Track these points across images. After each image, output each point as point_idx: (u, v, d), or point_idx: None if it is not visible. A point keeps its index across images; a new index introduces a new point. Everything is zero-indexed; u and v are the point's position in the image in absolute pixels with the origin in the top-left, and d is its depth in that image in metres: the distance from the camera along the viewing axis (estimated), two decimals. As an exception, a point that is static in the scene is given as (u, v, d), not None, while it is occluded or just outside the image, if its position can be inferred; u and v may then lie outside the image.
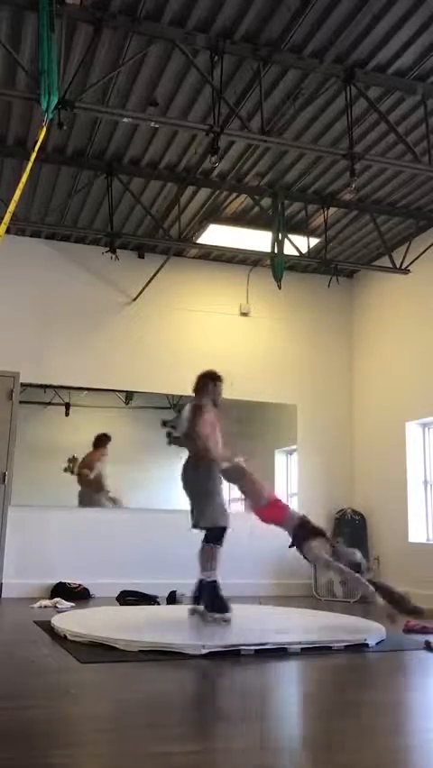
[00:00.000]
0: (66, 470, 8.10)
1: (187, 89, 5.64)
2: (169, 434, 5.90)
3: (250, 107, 5.69)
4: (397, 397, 8.27)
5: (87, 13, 4.80)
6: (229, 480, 5.81)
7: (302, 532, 5.54)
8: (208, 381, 5.78)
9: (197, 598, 5.53)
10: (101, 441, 8.27)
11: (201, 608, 5.45)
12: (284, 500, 5.75)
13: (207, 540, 5.49)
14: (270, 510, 5.71)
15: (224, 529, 5.48)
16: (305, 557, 5.62)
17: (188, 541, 5.65)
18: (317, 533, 5.56)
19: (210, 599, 5.36)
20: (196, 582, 5.53)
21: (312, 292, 9.02)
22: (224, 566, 5.48)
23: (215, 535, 5.46)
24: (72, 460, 8.14)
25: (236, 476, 5.74)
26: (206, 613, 5.35)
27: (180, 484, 5.73)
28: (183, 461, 5.73)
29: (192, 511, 5.59)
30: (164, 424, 5.86)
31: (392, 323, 8.53)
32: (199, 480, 5.57)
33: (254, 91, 5.43)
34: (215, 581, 5.40)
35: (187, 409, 5.72)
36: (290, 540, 5.63)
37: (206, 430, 5.54)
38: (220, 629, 5.12)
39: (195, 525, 5.56)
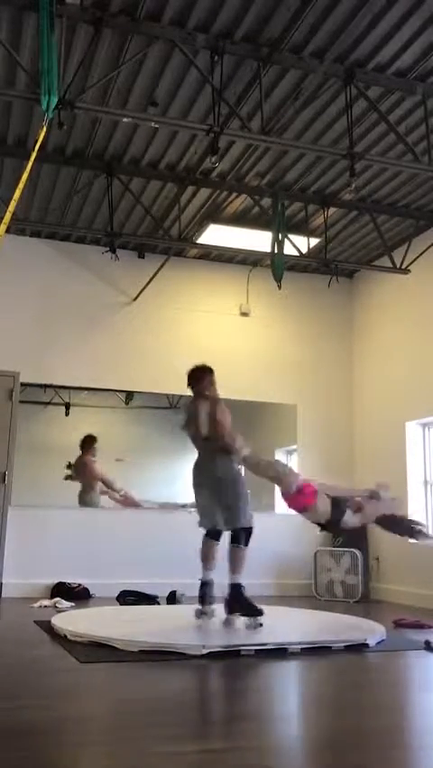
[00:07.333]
0: (67, 477, 8.09)
1: (187, 89, 5.64)
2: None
3: (250, 107, 5.69)
4: (397, 398, 8.27)
5: (87, 13, 4.80)
6: (253, 472, 5.75)
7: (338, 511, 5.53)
8: (208, 373, 5.70)
9: (201, 599, 5.38)
10: (88, 442, 8.20)
11: (211, 608, 5.34)
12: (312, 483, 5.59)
13: (237, 541, 5.36)
14: (298, 498, 5.54)
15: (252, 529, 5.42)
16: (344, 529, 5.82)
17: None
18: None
19: (244, 603, 5.24)
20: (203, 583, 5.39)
21: (312, 292, 9.02)
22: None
23: (247, 536, 5.37)
24: (70, 466, 8.13)
25: (260, 467, 5.66)
26: (233, 618, 5.22)
27: (194, 482, 5.54)
28: (198, 460, 5.54)
29: (208, 511, 5.44)
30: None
31: (392, 323, 8.53)
32: (230, 478, 5.43)
33: (254, 91, 5.42)
34: (241, 584, 5.29)
35: (204, 409, 5.52)
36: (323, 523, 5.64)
37: (228, 422, 5.43)
38: (220, 629, 5.12)
39: (226, 527, 5.41)
